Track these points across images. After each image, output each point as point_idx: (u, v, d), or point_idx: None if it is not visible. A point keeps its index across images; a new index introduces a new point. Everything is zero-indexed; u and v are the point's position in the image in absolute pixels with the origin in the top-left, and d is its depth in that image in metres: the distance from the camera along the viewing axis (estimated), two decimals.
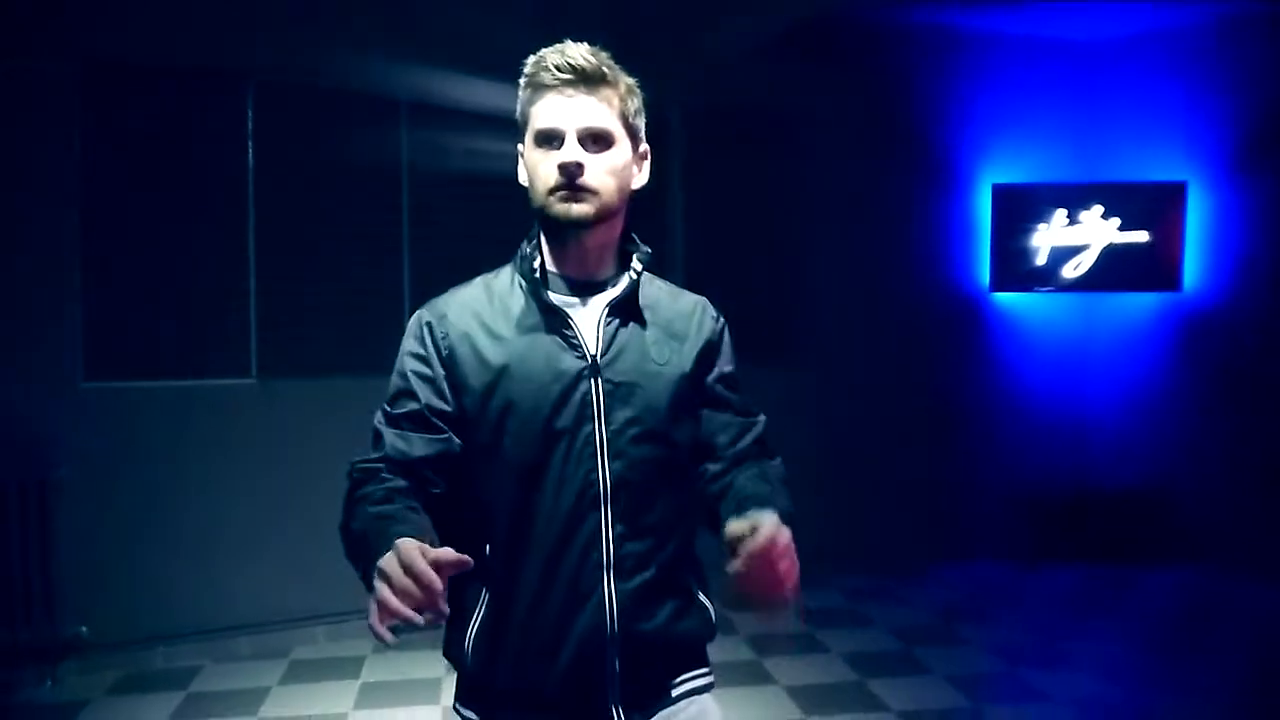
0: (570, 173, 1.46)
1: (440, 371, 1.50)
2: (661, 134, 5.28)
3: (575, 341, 1.50)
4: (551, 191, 1.48)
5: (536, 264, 1.53)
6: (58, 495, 4.16)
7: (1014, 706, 3.97)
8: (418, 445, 1.48)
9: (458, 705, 1.59)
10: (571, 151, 1.47)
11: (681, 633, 1.54)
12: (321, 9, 4.67)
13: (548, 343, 1.49)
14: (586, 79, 1.48)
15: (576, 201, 1.48)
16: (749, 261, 5.60)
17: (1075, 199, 5.87)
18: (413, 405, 1.50)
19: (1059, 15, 5.66)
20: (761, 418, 1.65)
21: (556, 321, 1.51)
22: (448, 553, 1.21)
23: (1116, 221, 5.84)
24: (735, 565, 1.31)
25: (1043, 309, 6.14)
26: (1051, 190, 5.91)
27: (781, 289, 5.68)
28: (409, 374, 1.51)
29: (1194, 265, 5.85)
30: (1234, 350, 5.69)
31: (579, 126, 1.47)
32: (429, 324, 1.53)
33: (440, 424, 1.49)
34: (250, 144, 4.54)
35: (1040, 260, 5.93)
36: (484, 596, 1.51)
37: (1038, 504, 5.93)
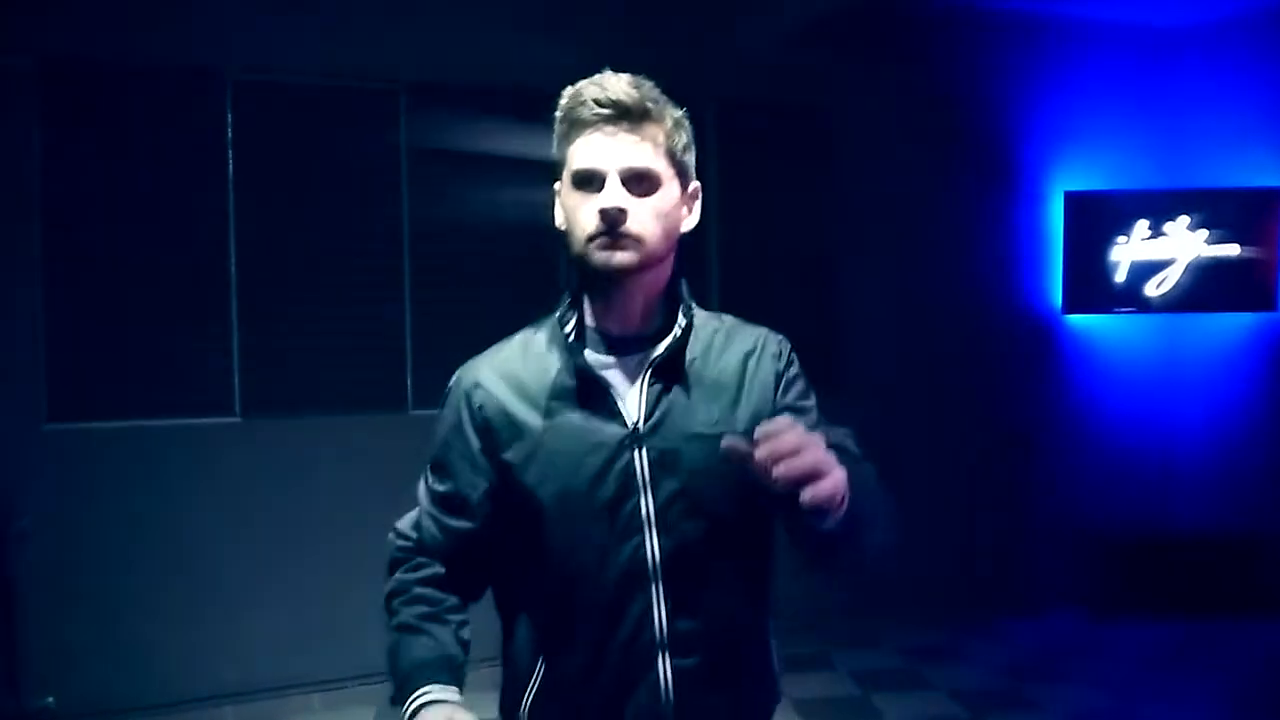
0: (612, 218, 1.40)
1: (476, 444, 1.49)
2: (696, 133, 4.89)
3: (615, 408, 1.45)
4: (591, 239, 1.42)
5: (572, 324, 1.48)
6: (20, 549, 3.89)
7: None
8: (450, 533, 1.51)
9: None
10: (613, 195, 1.40)
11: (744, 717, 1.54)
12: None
13: (585, 411, 1.45)
14: (628, 114, 1.42)
15: (618, 249, 1.41)
16: (789, 274, 5.25)
17: (1159, 208, 5.48)
18: (448, 485, 1.51)
19: None
20: (849, 429, 1.48)
21: (594, 387, 1.46)
22: None
23: (1205, 234, 5.46)
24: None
25: (1122, 332, 5.76)
26: (1132, 198, 5.55)
27: (825, 306, 5.30)
28: (447, 444, 1.52)
29: None
30: None
31: (621, 167, 1.41)
32: (466, 392, 1.51)
33: (475, 506, 1.49)
34: (230, 152, 4.22)
35: (1119, 277, 5.55)
36: (540, 663, 1.50)
37: (1115, 548, 5.53)
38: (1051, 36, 5.57)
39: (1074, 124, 5.64)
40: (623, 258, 1.40)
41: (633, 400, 1.46)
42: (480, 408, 1.48)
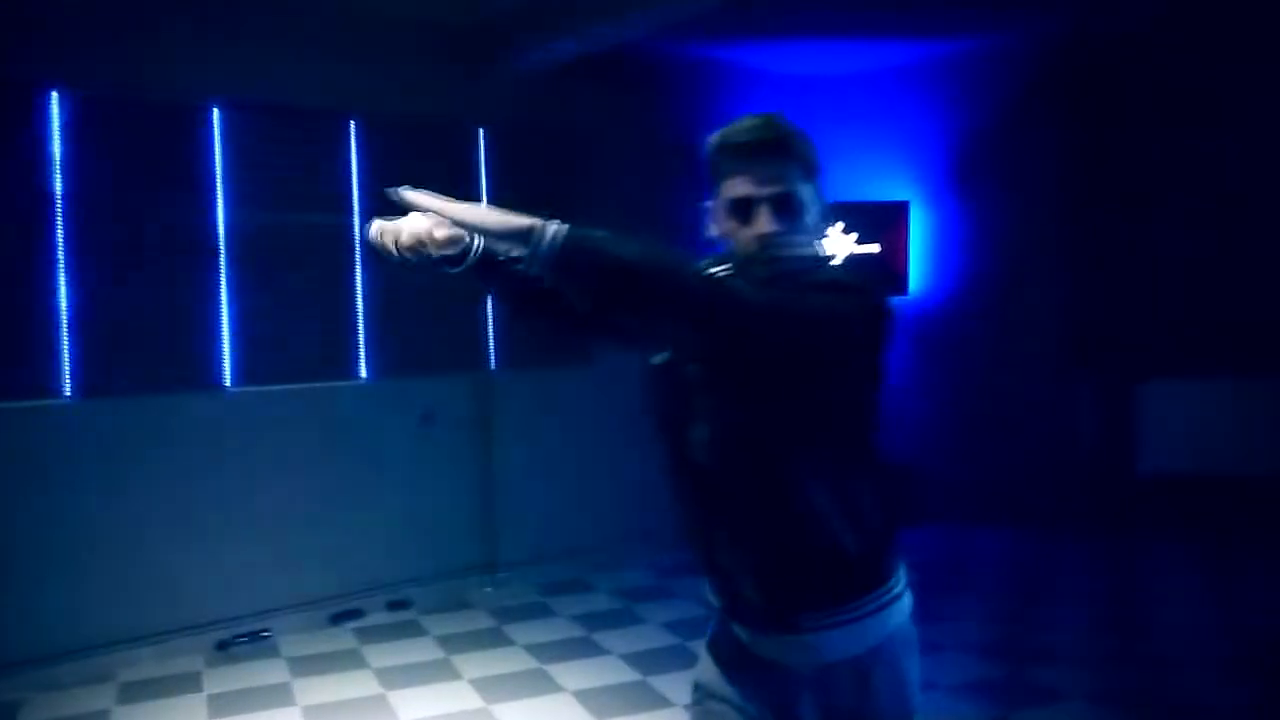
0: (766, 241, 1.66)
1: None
2: (469, 149, 5.62)
3: None
4: (748, 258, 1.69)
5: None
6: None
7: None
8: None
9: None
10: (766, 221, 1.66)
11: None
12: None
13: None
14: (770, 148, 1.67)
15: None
16: None
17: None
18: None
19: (811, 52, 6.45)
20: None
21: None
22: None
23: (855, 235, 6.73)
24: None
25: None
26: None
27: None
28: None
29: (916, 273, 6.87)
30: (950, 344, 6.74)
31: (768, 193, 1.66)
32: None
33: None
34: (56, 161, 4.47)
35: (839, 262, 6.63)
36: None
37: None
38: (747, 82, 6.65)
39: None
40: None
41: None
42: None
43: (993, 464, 6.60)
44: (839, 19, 5.74)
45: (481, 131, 5.67)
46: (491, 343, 5.75)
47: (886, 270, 6.74)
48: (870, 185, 6.98)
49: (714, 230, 1.75)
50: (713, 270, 1.76)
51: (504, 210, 1.49)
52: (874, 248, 6.76)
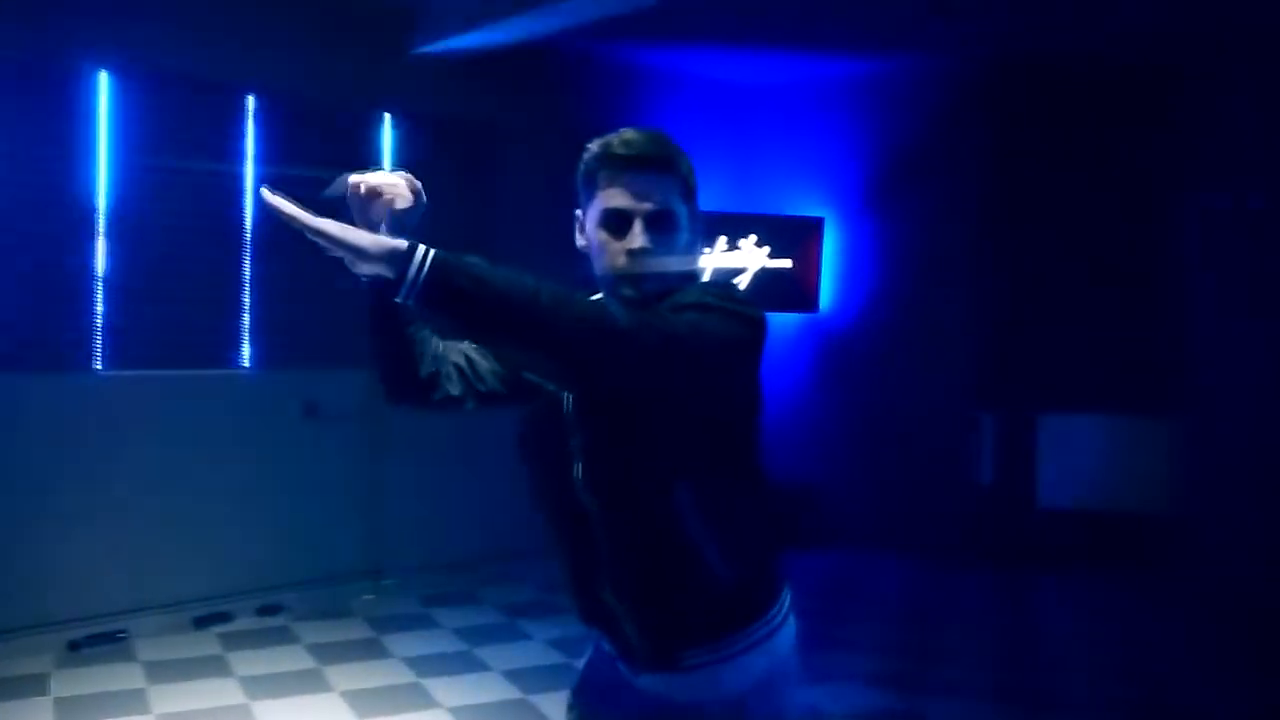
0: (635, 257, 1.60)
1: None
2: (374, 135, 5.40)
3: None
4: (617, 273, 1.62)
5: None
6: None
7: None
8: None
9: None
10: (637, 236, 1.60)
11: None
12: None
13: None
14: (652, 163, 1.62)
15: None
16: None
17: (735, 227, 6.62)
18: None
19: (730, 60, 6.41)
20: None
21: None
22: None
23: (768, 249, 6.63)
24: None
25: None
26: (714, 219, 6.54)
27: None
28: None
29: (828, 290, 6.83)
30: (858, 363, 6.72)
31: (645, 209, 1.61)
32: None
33: None
34: None
35: (705, 279, 6.54)
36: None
37: None
38: (660, 84, 6.56)
39: None
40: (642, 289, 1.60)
41: None
42: None
43: (894, 488, 6.57)
44: (762, 29, 5.68)
45: (388, 118, 5.46)
46: None
47: (797, 286, 6.70)
48: (786, 199, 6.94)
49: (581, 241, 1.70)
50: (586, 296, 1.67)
51: (372, 232, 1.42)
52: (787, 263, 6.70)
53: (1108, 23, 5.23)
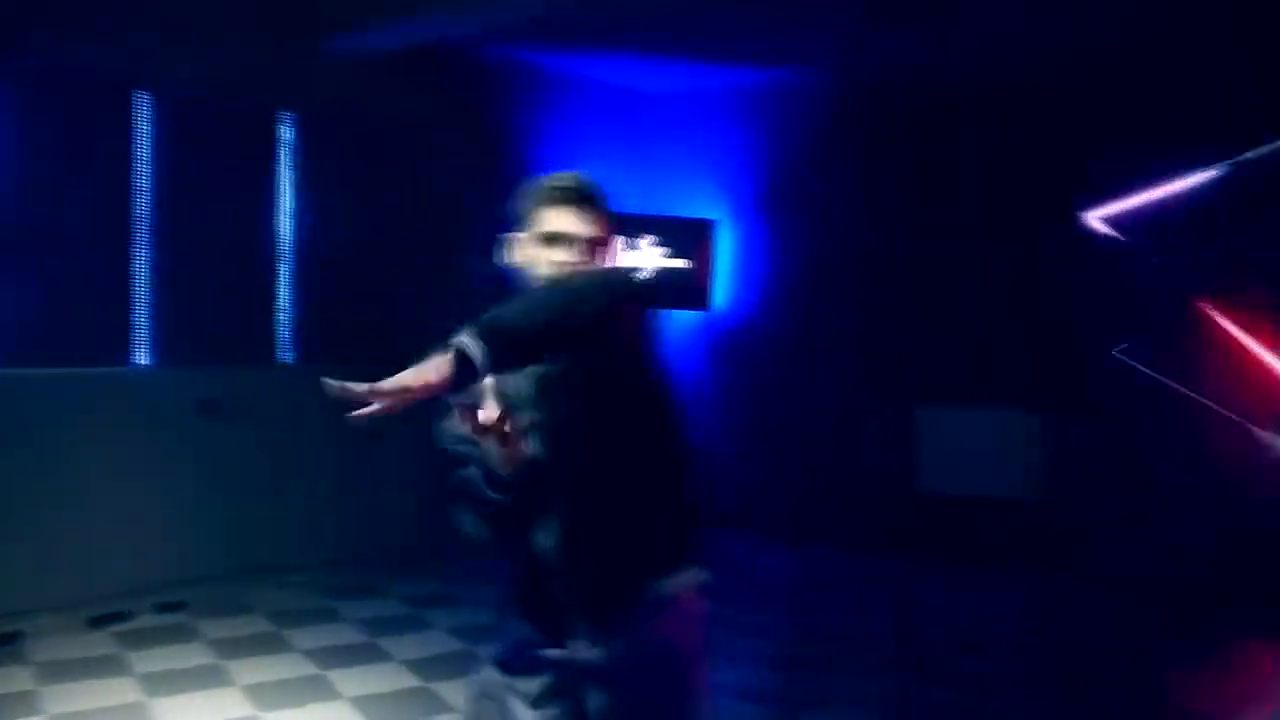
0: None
1: None
2: (274, 134, 5.41)
3: None
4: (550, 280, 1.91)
5: None
6: None
7: None
8: None
9: None
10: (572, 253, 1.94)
11: None
12: None
13: None
14: (588, 198, 1.98)
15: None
16: (365, 274, 5.81)
17: (634, 228, 6.82)
18: None
19: (632, 67, 6.57)
20: None
21: None
22: None
23: (665, 250, 6.84)
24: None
25: None
26: (615, 219, 6.74)
27: (396, 301, 5.88)
28: None
29: (720, 289, 7.07)
30: (749, 359, 6.97)
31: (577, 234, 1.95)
32: None
33: None
34: None
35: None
36: None
37: None
38: (565, 88, 6.71)
39: (577, 157, 6.70)
40: None
41: None
42: None
43: (784, 477, 6.85)
44: (662, 38, 5.86)
45: (291, 117, 5.47)
46: (287, 333, 5.53)
47: (692, 285, 6.90)
48: (681, 202, 7.15)
49: (514, 257, 2.02)
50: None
51: (416, 367, 1.50)
52: (683, 262, 6.90)
53: (985, 45, 5.56)
